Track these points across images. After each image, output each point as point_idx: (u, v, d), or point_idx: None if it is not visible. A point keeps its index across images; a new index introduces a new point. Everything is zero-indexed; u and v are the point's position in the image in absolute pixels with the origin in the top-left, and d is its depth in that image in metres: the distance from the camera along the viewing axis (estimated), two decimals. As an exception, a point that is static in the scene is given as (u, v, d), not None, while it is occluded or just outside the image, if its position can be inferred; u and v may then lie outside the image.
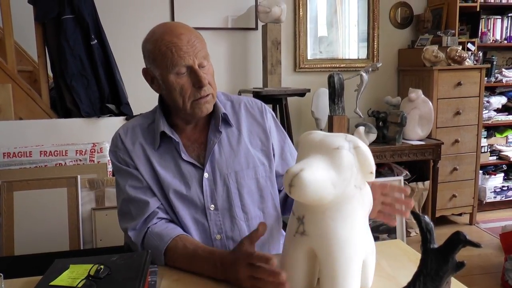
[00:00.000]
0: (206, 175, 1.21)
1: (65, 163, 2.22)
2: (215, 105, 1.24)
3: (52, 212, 2.12)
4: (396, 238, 3.01)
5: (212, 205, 1.21)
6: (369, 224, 3.13)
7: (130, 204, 1.22)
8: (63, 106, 2.39)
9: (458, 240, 0.57)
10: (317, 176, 0.80)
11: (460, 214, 3.64)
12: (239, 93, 3.24)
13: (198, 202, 1.21)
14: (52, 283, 0.98)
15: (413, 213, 0.62)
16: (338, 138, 0.88)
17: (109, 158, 2.31)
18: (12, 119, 2.33)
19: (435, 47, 3.19)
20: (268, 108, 1.36)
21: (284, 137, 1.36)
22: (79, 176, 2.15)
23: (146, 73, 1.22)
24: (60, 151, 2.22)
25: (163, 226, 1.18)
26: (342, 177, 0.83)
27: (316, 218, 0.88)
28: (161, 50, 1.12)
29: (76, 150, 2.24)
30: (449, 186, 3.39)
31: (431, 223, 0.61)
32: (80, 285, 0.94)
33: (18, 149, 2.20)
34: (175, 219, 1.23)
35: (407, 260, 1.18)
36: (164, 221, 1.21)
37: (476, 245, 0.55)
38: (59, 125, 2.34)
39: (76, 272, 1.02)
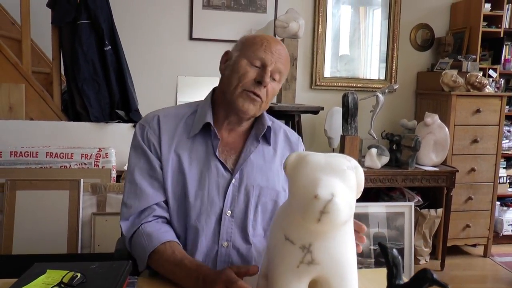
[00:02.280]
0: (233, 180, 1.20)
1: (70, 166, 2.23)
2: (262, 117, 1.27)
3: (52, 214, 2.13)
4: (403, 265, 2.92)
5: (230, 211, 1.20)
6: (374, 249, 3.01)
7: (130, 184, 1.20)
8: (74, 110, 2.41)
9: (424, 279, 0.52)
10: (345, 200, 0.78)
11: (474, 245, 3.51)
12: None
13: (215, 203, 1.18)
14: (25, 287, 0.96)
15: (380, 244, 0.57)
16: (342, 159, 0.86)
17: (114, 164, 2.33)
18: (23, 119, 2.36)
19: (455, 72, 3.12)
20: (302, 144, 1.38)
21: None
22: (82, 180, 2.15)
23: (226, 54, 1.27)
24: (66, 153, 2.24)
25: (156, 227, 1.15)
26: (353, 198, 0.82)
27: (327, 244, 0.83)
28: (255, 39, 1.20)
29: (82, 154, 2.25)
30: (463, 216, 3.28)
31: (399, 257, 0.57)
32: (51, 291, 0.92)
33: (25, 149, 2.22)
34: (178, 216, 1.19)
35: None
36: (160, 220, 1.18)
37: (443, 286, 0.50)
38: (68, 127, 2.36)
39: (51, 278, 1.00)
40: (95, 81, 2.36)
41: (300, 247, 0.84)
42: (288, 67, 1.24)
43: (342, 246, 0.82)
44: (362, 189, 0.88)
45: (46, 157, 2.21)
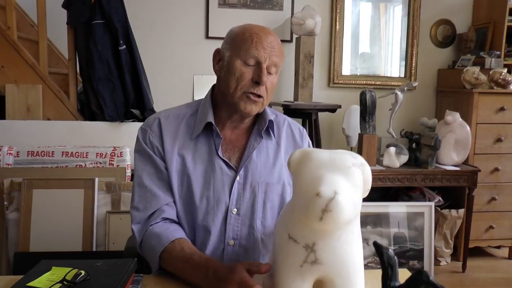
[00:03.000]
0: (238, 178, 1.19)
1: (85, 165, 2.24)
2: (264, 112, 1.25)
3: (68, 212, 2.15)
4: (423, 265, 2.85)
5: (235, 209, 1.19)
6: (394, 249, 2.93)
7: (139, 188, 1.20)
8: (89, 109, 2.43)
9: (420, 281, 0.48)
10: (349, 199, 0.75)
11: (498, 247, 3.40)
12: (270, 105, 3.20)
13: (222, 201, 1.18)
14: (29, 284, 0.96)
15: (375, 244, 0.54)
16: (347, 156, 0.84)
17: (128, 163, 2.34)
18: (40, 119, 2.39)
19: (477, 69, 3.02)
20: (307, 136, 1.36)
21: None
22: (96, 179, 2.17)
23: (217, 53, 1.24)
24: (81, 152, 2.25)
25: (164, 227, 1.15)
26: (358, 196, 0.79)
27: (332, 244, 0.80)
28: (244, 35, 1.16)
29: (97, 153, 2.26)
30: (486, 216, 3.18)
31: (395, 257, 0.53)
32: (53, 288, 0.92)
33: (41, 148, 2.25)
34: (186, 216, 1.19)
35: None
36: (168, 221, 1.17)
37: (439, 288, 0.47)
38: (83, 127, 2.38)
39: (56, 275, 1.00)
40: (109, 80, 2.37)
41: (303, 246, 0.82)
42: (283, 56, 1.21)
43: (347, 246, 0.80)
44: (369, 187, 0.85)
45: (62, 156, 2.24)
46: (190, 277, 1.04)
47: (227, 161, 1.19)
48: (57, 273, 1.00)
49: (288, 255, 0.85)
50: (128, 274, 1.02)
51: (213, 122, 1.19)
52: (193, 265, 1.03)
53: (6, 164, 2.21)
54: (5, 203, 2.16)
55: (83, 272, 0.98)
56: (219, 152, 1.19)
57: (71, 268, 0.99)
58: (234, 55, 1.16)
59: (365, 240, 2.84)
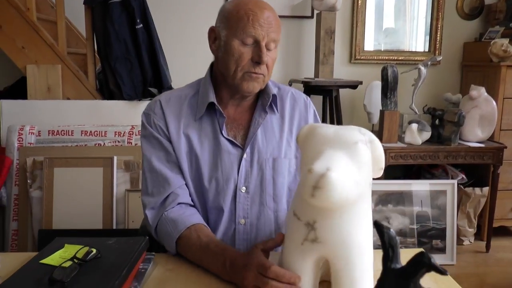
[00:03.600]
0: (245, 155, 1.18)
1: (104, 143, 2.27)
2: (266, 87, 1.22)
3: (88, 190, 2.19)
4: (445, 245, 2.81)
5: (244, 187, 1.18)
6: (416, 228, 2.89)
7: (150, 174, 1.18)
8: (108, 89, 2.45)
9: (421, 263, 0.46)
10: (344, 176, 0.71)
11: (524, 226, 3.33)
12: (290, 82, 3.16)
13: (231, 181, 1.17)
14: (42, 261, 0.99)
15: (376, 223, 0.52)
16: (354, 132, 0.80)
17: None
18: (60, 99, 2.42)
19: (505, 41, 2.90)
20: (312, 105, 1.33)
21: None
22: (115, 157, 2.20)
23: (212, 31, 1.19)
24: (100, 131, 2.28)
25: (180, 212, 1.13)
26: (363, 175, 0.76)
27: (332, 223, 0.78)
28: (239, 13, 1.11)
29: (115, 132, 2.29)
30: (512, 195, 3.10)
31: (396, 238, 0.51)
32: (64, 265, 0.93)
33: (61, 128, 2.29)
34: (198, 198, 1.19)
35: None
36: (184, 205, 1.16)
37: (441, 271, 0.45)
38: (102, 106, 2.40)
39: (68, 252, 1.02)
40: (127, 59, 2.38)
41: (305, 223, 0.80)
42: (280, 29, 1.16)
43: (350, 226, 0.76)
44: (382, 165, 0.82)
45: (81, 135, 2.27)
46: (208, 266, 1.02)
47: (232, 140, 1.18)
48: (69, 250, 1.02)
49: (292, 232, 0.85)
50: (139, 253, 1.03)
51: (215, 102, 1.17)
52: (210, 254, 1.02)
53: (28, 143, 2.25)
54: (28, 181, 2.22)
55: (94, 250, 0.99)
56: (223, 131, 1.17)
57: (83, 246, 1.00)
58: (231, 35, 1.11)
59: (385, 219, 2.81)
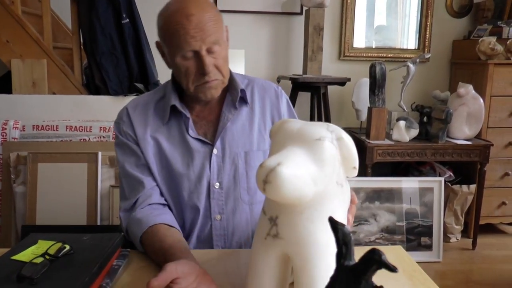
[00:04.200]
0: (215, 151, 1.18)
1: (89, 139, 2.26)
2: (233, 81, 1.21)
3: (72, 186, 2.17)
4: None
5: (218, 183, 1.18)
6: (402, 226, 2.87)
7: (125, 179, 1.20)
8: (94, 84, 2.43)
9: (372, 260, 0.46)
10: (297, 172, 0.70)
11: (511, 224, 3.34)
12: (278, 79, 3.15)
13: (204, 178, 1.17)
14: (13, 257, 0.98)
15: (330, 220, 0.52)
16: (320, 128, 0.78)
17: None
18: (45, 94, 2.40)
19: (493, 39, 2.90)
20: (284, 94, 1.31)
21: None
22: (100, 153, 2.18)
23: (158, 46, 1.18)
24: (84, 127, 2.26)
25: (148, 212, 1.14)
26: (323, 173, 0.73)
27: (292, 219, 0.76)
28: (169, 29, 1.07)
29: (100, 127, 2.27)
30: (499, 192, 3.11)
31: (350, 235, 0.51)
32: (35, 261, 0.93)
33: (46, 122, 2.26)
34: (172, 198, 1.19)
35: (400, 270, 1.06)
36: (155, 206, 1.16)
37: (391, 269, 0.45)
38: (87, 101, 2.39)
39: (41, 248, 1.00)
40: (113, 54, 2.36)
41: (268, 218, 0.80)
42: (220, 25, 1.10)
43: (310, 224, 0.75)
44: (354, 164, 0.79)
45: (66, 130, 2.25)
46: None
47: (201, 138, 1.18)
48: (42, 246, 1.01)
49: (259, 226, 0.84)
50: (113, 249, 1.02)
51: (177, 104, 1.16)
52: (168, 259, 0.97)
53: (12, 138, 2.23)
54: (12, 176, 2.20)
55: (67, 246, 0.98)
56: (190, 131, 1.17)
57: (55, 242, 0.99)
58: (171, 52, 1.10)
59: (372, 216, 2.82)
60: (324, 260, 0.75)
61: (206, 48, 1.08)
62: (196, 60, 1.09)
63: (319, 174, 0.72)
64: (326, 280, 0.68)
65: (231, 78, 1.21)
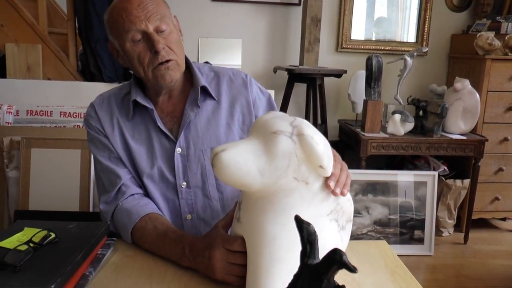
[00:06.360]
0: (178, 150, 1.16)
1: (83, 125, 2.26)
2: (194, 77, 1.19)
3: (66, 172, 2.18)
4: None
5: (184, 183, 1.16)
6: (395, 219, 2.86)
7: (102, 174, 1.19)
8: (89, 70, 2.42)
9: (333, 260, 0.47)
10: (240, 160, 0.73)
11: (504, 219, 3.36)
12: (275, 69, 3.14)
13: (169, 178, 1.16)
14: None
15: (296, 218, 0.52)
16: (282, 122, 0.77)
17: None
18: (40, 79, 2.40)
19: (491, 34, 2.89)
20: (254, 81, 1.27)
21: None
22: (93, 140, 2.18)
23: (111, 46, 1.17)
24: (78, 113, 2.27)
25: (134, 202, 1.14)
26: (273, 166, 0.74)
27: (248, 206, 0.80)
28: (113, 17, 1.07)
29: (94, 114, 2.27)
30: (492, 187, 3.12)
31: (316, 233, 0.51)
32: (19, 248, 0.93)
33: (40, 108, 2.26)
34: (146, 195, 1.19)
35: (383, 265, 1.07)
36: (137, 196, 1.16)
37: (351, 269, 0.45)
38: (82, 88, 2.38)
39: (26, 236, 1.01)
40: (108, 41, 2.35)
41: (239, 202, 0.86)
42: (164, 7, 1.11)
43: (261, 214, 0.78)
44: (321, 163, 0.75)
45: (60, 116, 2.25)
46: (165, 254, 1.02)
47: (167, 133, 1.16)
48: (28, 234, 1.01)
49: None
50: (98, 238, 1.03)
51: (138, 98, 1.15)
52: (168, 242, 1.01)
53: (6, 122, 2.24)
54: (5, 161, 2.20)
55: (52, 234, 0.99)
56: (158, 123, 1.16)
57: (41, 229, 1.00)
58: (121, 41, 1.08)
59: (365, 208, 2.83)
60: (270, 251, 0.77)
61: (153, 28, 1.07)
62: (146, 41, 1.07)
63: (269, 167, 0.74)
64: (272, 271, 0.71)
65: (193, 74, 1.20)
